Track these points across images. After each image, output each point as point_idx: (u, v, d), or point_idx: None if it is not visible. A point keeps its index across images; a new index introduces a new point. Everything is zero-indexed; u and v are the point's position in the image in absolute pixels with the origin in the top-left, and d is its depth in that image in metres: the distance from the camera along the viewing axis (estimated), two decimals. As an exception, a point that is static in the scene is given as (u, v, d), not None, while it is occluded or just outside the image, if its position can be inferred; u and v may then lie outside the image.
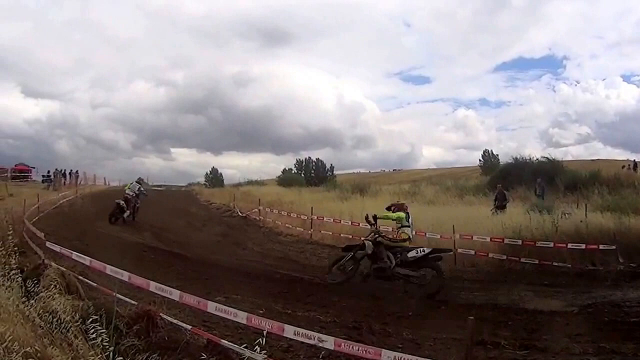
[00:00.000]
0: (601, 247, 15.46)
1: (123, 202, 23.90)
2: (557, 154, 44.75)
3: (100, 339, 6.36)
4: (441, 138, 71.89)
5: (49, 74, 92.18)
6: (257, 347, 6.00)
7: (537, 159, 35.22)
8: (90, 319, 7.12)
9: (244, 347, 6.96)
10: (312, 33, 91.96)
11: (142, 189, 25.40)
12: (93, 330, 6.49)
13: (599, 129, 60.42)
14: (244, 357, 6.70)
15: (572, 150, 76.79)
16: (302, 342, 6.50)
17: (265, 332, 6.11)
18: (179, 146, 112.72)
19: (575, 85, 63.45)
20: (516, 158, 37.00)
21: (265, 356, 6.09)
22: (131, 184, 25.42)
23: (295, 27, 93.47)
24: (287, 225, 25.29)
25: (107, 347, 6.15)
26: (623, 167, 34.52)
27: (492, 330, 9.63)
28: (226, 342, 7.40)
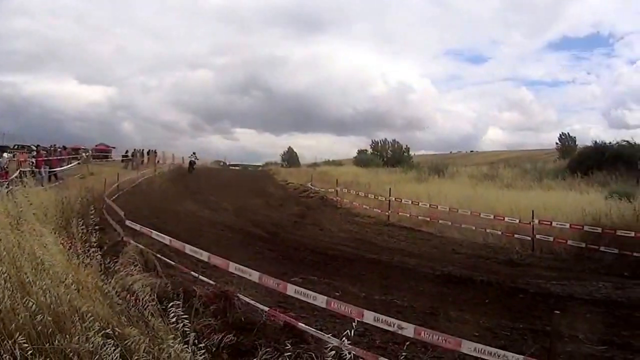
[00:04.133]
0: (686, 238, 14.90)
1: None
2: (626, 135, 42.92)
3: (175, 318, 6.20)
4: (502, 119, 70.23)
5: (99, 63, 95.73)
6: (344, 337, 5.79)
7: (617, 143, 34.17)
8: (168, 298, 7.31)
9: (320, 332, 7.17)
10: (345, 18, 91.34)
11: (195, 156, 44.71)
12: (172, 310, 6.35)
13: None
14: (321, 341, 6.83)
15: None
16: (379, 327, 6.44)
17: (354, 323, 5.89)
18: (239, 126, 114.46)
19: (633, 64, 60.71)
20: (595, 142, 36.00)
21: (344, 342, 5.86)
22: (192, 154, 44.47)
23: (327, 13, 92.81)
24: (364, 206, 25.43)
25: (185, 328, 6.04)
26: None
27: (570, 323, 9.21)
28: (303, 325, 7.52)
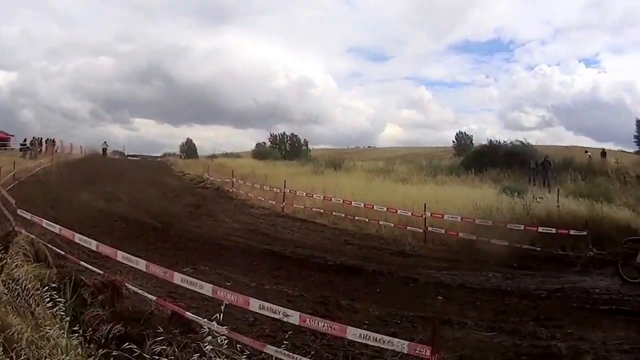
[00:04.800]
0: (572, 232, 15.49)
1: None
2: (520, 137, 45.19)
3: (56, 307, 6.14)
4: (401, 116, 71.36)
5: (1, 47, 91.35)
6: (214, 320, 5.88)
7: (511, 143, 35.23)
8: (48, 287, 6.95)
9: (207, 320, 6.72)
10: (251, 11, 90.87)
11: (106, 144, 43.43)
12: (49, 298, 6.31)
13: (558, 115, 60.47)
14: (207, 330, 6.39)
15: (535, 134, 77.01)
16: (269, 316, 6.32)
17: (223, 306, 5.97)
18: (138, 116, 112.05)
19: (531, 69, 63.36)
20: (490, 141, 36.96)
21: (228, 329, 5.93)
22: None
23: (233, 4, 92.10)
24: (259, 198, 25.07)
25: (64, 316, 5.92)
26: (586, 151, 34.73)
27: (460, 310, 9.55)
28: (190, 314, 7.27)
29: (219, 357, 5.69)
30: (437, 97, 73.30)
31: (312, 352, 6.47)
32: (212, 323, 5.98)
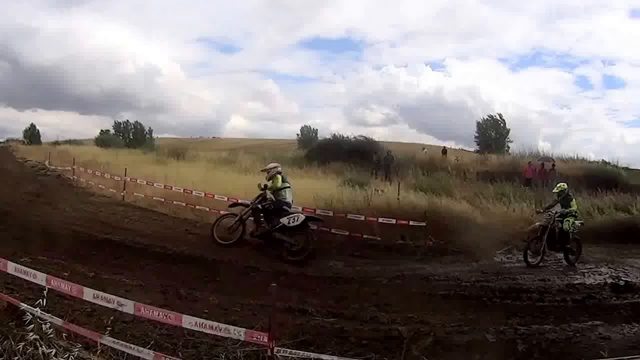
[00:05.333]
0: (411, 223, 15.87)
1: None
2: (364, 132, 46.25)
3: None
4: (247, 108, 70.89)
5: None
6: (37, 307, 5.85)
7: (355, 137, 35.80)
8: None
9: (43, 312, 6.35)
10: None
11: None
12: None
13: (403, 113, 62.62)
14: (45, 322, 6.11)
15: (379, 130, 79.24)
16: (106, 307, 6.11)
17: (45, 292, 5.99)
18: None
19: (379, 69, 65.20)
20: (334, 135, 37.55)
21: (65, 321, 5.91)
22: None
23: None
24: (100, 186, 24.05)
25: None
26: (423, 148, 36.42)
27: (301, 298, 9.65)
28: (26, 305, 6.72)
29: (55, 348, 5.60)
30: (284, 91, 73.22)
31: (151, 342, 6.22)
32: (45, 313, 5.89)
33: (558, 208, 14.57)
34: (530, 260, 13.95)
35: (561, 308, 10.72)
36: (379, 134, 58.87)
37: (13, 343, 5.61)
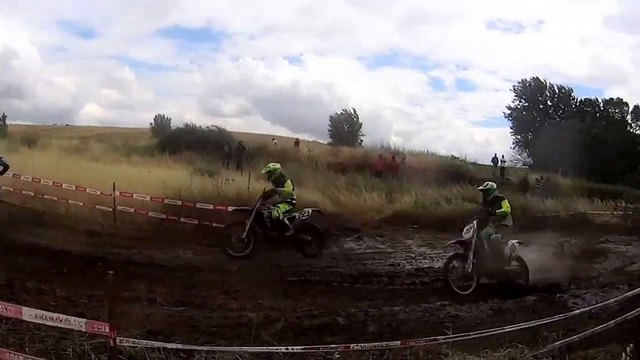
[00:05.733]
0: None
1: None
2: (218, 123, 46.27)
3: None
4: (102, 95, 68.46)
5: None
6: None
7: (207, 127, 36.23)
8: None
9: None
10: None
11: None
12: None
13: (258, 105, 63.22)
14: None
15: (233, 121, 79.45)
16: None
17: None
18: None
19: (236, 61, 65.19)
20: (187, 124, 37.60)
21: None
22: None
23: None
24: None
25: None
26: (273, 139, 36.99)
27: (149, 287, 9.45)
28: None
29: None
30: (139, 79, 71.36)
31: None
32: None
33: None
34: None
35: (411, 290, 11.20)
36: (233, 125, 58.78)
37: None
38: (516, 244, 11.48)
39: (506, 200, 12.05)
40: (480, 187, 12.72)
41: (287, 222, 13.21)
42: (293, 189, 13.79)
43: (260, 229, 13.16)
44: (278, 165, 14.14)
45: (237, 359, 5.82)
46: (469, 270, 11.13)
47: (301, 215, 13.65)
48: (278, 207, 13.32)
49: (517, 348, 6.14)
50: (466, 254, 11.33)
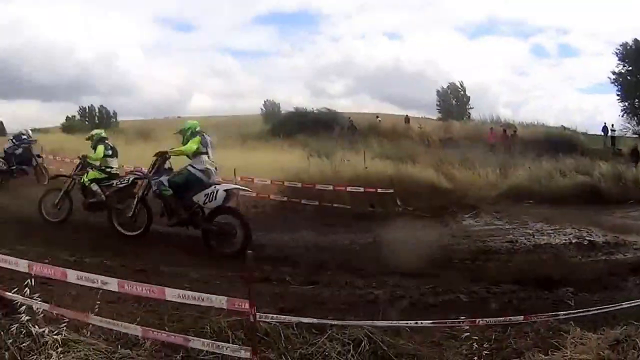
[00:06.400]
0: (379, 190, 16.18)
1: None
2: (327, 104, 45.96)
3: None
4: (208, 85, 69.52)
5: None
6: (27, 289, 5.88)
7: (318, 109, 36.10)
8: None
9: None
10: None
11: None
12: None
13: (363, 84, 62.19)
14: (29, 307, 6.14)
15: (341, 102, 78.88)
16: (91, 288, 6.06)
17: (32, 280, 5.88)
18: None
19: (336, 41, 64.39)
20: (297, 108, 37.57)
21: (51, 305, 5.86)
22: None
23: None
24: (70, 172, 23.53)
25: None
26: (377, 117, 36.58)
27: (277, 267, 9.81)
28: (10, 294, 6.59)
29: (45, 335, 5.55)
30: (243, 67, 72.44)
31: (137, 319, 6.18)
32: (31, 299, 5.85)
33: None
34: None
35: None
36: (341, 106, 58.70)
37: (2, 333, 5.64)
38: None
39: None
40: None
41: (95, 188, 13.17)
42: (105, 156, 13.58)
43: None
44: (98, 131, 14.47)
45: (366, 334, 5.84)
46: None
47: (119, 183, 12.92)
48: (87, 173, 13.39)
49: (632, 325, 6.05)
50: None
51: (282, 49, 67.89)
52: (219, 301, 5.38)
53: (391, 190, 16.02)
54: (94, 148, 13.70)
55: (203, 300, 5.46)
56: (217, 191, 11.20)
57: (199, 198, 11.21)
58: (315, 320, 5.95)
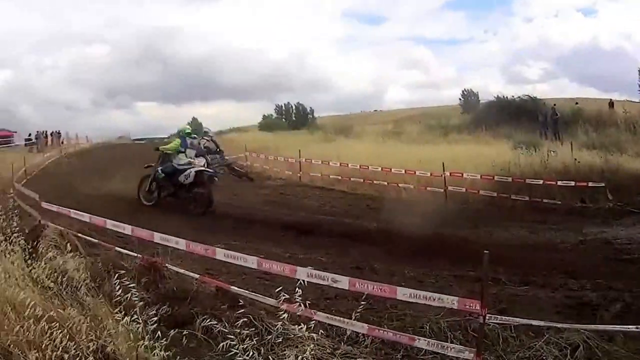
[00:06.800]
0: (590, 184, 15.75)
1: None
2: (525, 90, 44.20)
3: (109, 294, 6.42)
4: (403, 77, 69.33)
5: None
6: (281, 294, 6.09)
7: (519, 97, 35.04)
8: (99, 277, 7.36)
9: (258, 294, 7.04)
10: None
11: None
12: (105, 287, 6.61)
13: (560, 66, 58.76)
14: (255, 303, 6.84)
15: (539, 87, 75.38)
16: (309, 284, 6.28)
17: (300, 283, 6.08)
18: (140, 100, 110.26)
19: (529, 22, 61.29)
20: (497, 96, 36.67)
21: (279, 302, 6.12)
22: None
23: None
24: (275, 169, 25.21)
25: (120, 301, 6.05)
26: (576, 103, 34.52)
27: (492, 267, 9.39)
28: (236, 288, 7.41)
29: (271, 329, 6.07)
30: (437, 56, 71.70)
31: (356, 317, 6.27)
32: (256, 294, 6.49)
33: None
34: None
35: None
36: (540, 91, 56.26)
37: (227, 325, 5.87)
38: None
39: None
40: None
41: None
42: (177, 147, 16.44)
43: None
44: (183, 127, 17.33)
45: (584, 338, 5.82)
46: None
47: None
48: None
49: None
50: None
51: (475, 34, 66.41)
52: (449, 301, 5.49)
53: (602, 184, 15.52)
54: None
55: (434, 300, 5.58)
56: (190, 173, 15.71)
57: (181, 179, 15.75)
58: (542, 323, 6.06)
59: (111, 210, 12.79)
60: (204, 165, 16.51)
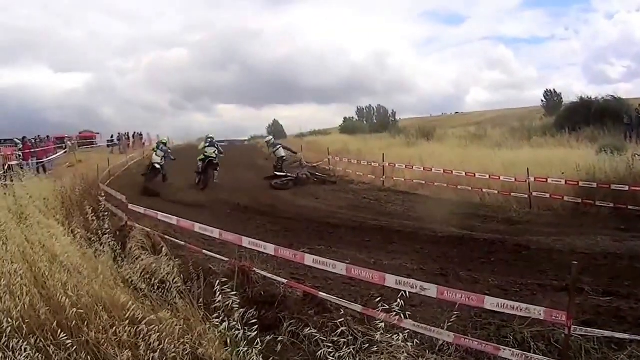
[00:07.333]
0: (679, 191, 15.12)
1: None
2: (607, 90, 42.59)
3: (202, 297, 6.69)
4: (484, 78, 68.33)
5: (71, 51, 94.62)
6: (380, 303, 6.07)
7: (603, 98, 34.02)
8: (188, 279, 7.62)
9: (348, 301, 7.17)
10: None
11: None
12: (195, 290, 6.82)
13: None
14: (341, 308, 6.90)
15: (622, 86, 73.26)
16: (393, 290, 6.34)
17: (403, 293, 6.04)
18: (220, 102, 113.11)
19: (611, 18, 59.15)
20: (581, 97, 35.39)
21: (378, 311, 6.14)
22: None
23: None
24: (357, 173, 25.40)
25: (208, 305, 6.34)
26: None
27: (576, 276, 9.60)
28: (323, 294, 7.53)
29: (356, 335, 6.16)
30: (517, 55, 70.77)
31: (440, 325, 6.41)
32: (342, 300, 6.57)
33: None
34: None
35: None
36: (624, 91, 54.37)
37: (314, 330, 6.03)
38: None
39: None
40: None
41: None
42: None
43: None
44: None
45: None
46: None
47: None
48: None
49: None
50: None
51: (556, 33, 64.97)
52: (536, 312, 5.53)
53: (690, 191, 14.98)
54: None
55: (521, 310, 5.63)
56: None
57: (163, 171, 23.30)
58: (626, 336, 5.96)
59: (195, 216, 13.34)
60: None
